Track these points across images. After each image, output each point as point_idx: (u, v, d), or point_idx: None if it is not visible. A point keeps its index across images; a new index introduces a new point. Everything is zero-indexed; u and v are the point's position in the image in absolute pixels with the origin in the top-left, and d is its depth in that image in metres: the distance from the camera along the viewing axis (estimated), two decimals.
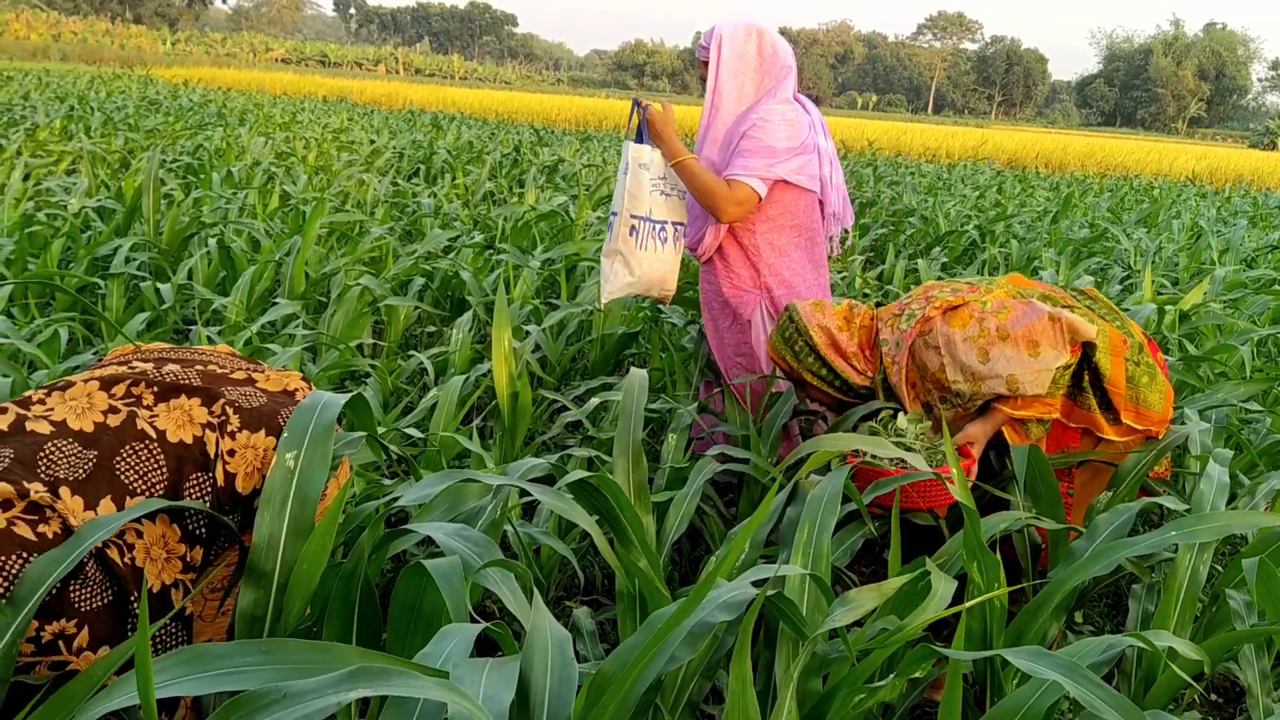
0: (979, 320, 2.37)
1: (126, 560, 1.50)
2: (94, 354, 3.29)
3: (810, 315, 2.57)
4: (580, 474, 1.77)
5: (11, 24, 56.67)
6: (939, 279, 5.15)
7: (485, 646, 2.13)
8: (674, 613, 1.29)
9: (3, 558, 1.36)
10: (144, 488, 1.56)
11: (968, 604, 1.67)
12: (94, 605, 1.46)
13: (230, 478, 1.67)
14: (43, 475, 1.47)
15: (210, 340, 3.41)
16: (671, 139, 2.96)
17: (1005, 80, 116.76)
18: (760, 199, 2.92)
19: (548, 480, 2.71)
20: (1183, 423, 2.73)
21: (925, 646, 1.56)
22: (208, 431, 1.67)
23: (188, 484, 1.62)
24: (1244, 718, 2.46)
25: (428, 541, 2.13)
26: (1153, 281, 5.56)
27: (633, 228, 2.98)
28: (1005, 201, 11.06)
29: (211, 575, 1.73)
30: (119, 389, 1.66)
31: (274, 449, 1.70)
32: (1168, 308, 4.62)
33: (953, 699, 1.54)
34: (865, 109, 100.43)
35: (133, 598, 1.51)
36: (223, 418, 1.69)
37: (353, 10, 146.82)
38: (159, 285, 4.12)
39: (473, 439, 2.85)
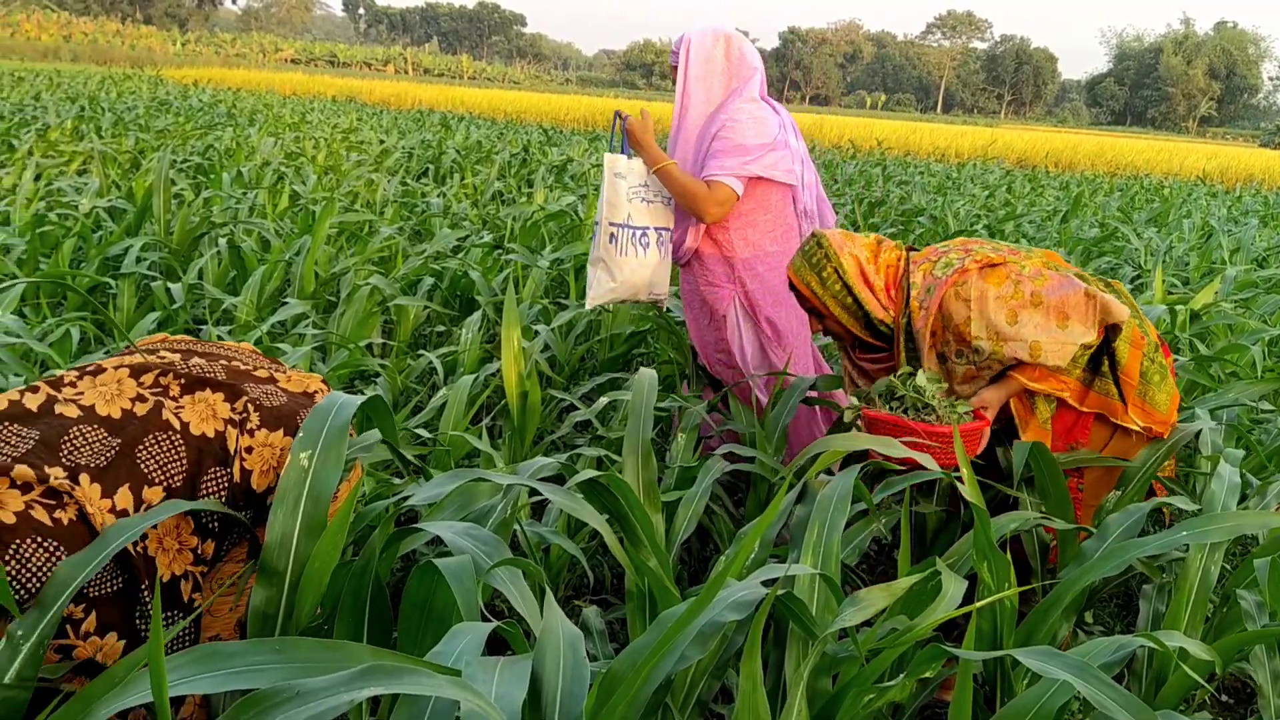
0: (1015, 282, 2.35)
1: (139, 549, 1.51)
2: (105, 353, 3.30)
3: (841, 243, 2.52)
4: (590, 473, 1.78)
5: (23, 25, 56.90)
6: None
7: (494, 645, 2.14)
8: (684, 612, 1.30)
9: (18, 541, 1.38)
10: (163, 478, 1.57)
11: (978, 604, 1.67)
12: (104, 591, 1.47)
13: (246, 474, 1.68)
14: (64, 460, 1.49)
15: (221, 339, 3.42)
16: (651, 147, 3.05)
17: (1015, 79, 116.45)
18: (739, 196, 2.99)
19: (557, 480, 2.71)
20: (1193, 421, 2.72)
21: (935, 646, 1.56)
22: (229, 427, 1.68)
23: (205, 477, 1.63)
24: (1255, 718, 2.45)
25: (438, 540, 2.14)
26: (1163, 281, 5.54)
27: (612, 235, 3.07)
28: (1015, 201, 11.04)
29: (222, 571, 1.74)
30: (148, 378, 1.67)
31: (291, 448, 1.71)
32: (1178, 307, 4.60)
33: (963, 699, 1.53)
34: (874, 108, 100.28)
35: (143, 586, 1.52)
36: (244, 415, 1.70)
37: (362, 10, 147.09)
38: (169, 285, 4.13)
39: (482, 438, 2.85)
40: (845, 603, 1.60)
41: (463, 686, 1.03)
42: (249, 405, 1.72)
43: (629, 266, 3.07)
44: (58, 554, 1.40)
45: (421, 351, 3.99)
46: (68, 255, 4.47)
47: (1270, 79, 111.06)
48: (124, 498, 1.51)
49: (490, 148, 12.91)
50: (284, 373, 1.87)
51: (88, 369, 1.67)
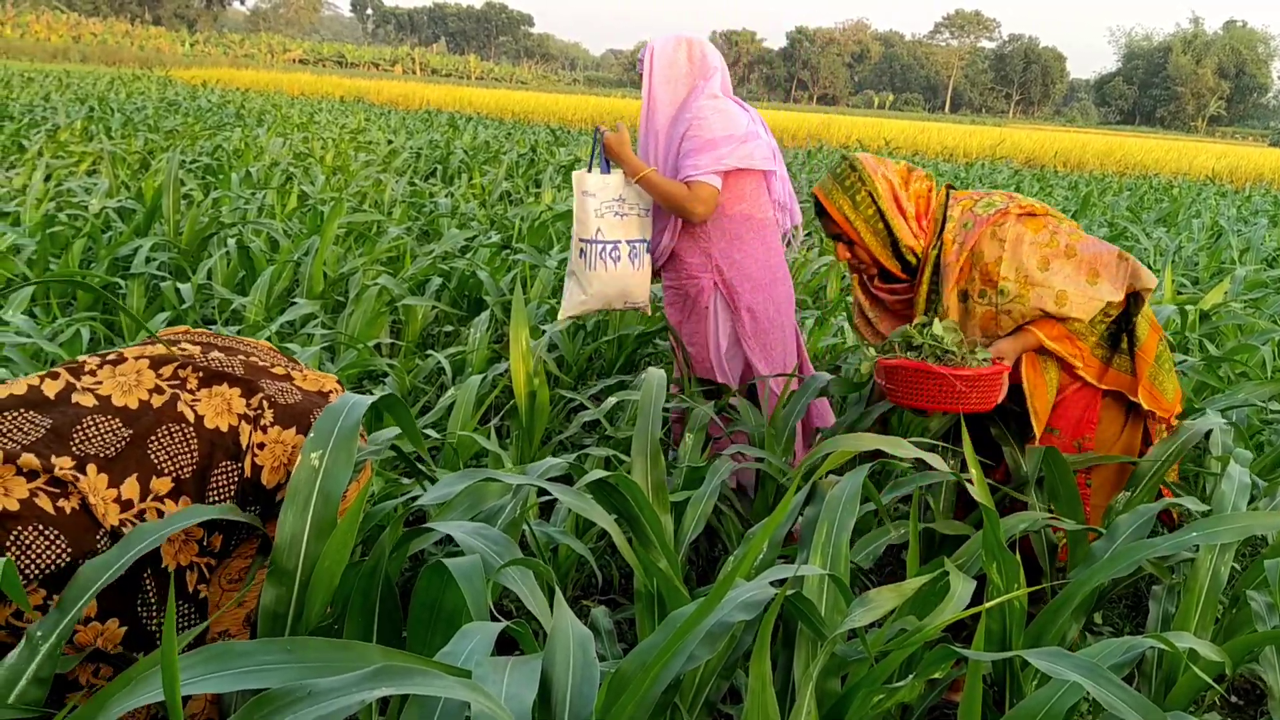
0: (1052, 232, 2.37)
1: None
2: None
3: (875, 166, 2.50)
4: (599, 473, 1.78)
5: (32, 26, 57.11)
6: None
7: (503, 644, 2.14)
8: (693, 612, 1.30)
9: (20, 528, 1.40)
10: (172, 469, 1.58)
11: (987, 605, 1.67)
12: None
13: (257, 470, 1.69)
14: (74, 449, 1.50)
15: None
16: (629, 158, 3.12)
17: (1023, 79, 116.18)
18: (719, 191, 3.05)
19: (566, 480, 2.71)
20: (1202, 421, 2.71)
21: (944, 647, 1.56)
22: (243, 423, 1.69)
23: (216, 470, 1.64)
24: (1265, 719, 2.45)
25: (447, 540, 2.14)
26: (1173, 281, 5.52)
27: (581, 250, 3.18)
28: None
29: (231, 567, 1.74)
30: (167, 370, 1.69)
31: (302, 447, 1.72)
32: (1188, 308, 4.59)
33: (972, 700, 1.53)
34: (882, 108, 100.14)
35: (145, 574, 1.53)
36: (258, 411, 1.71)
37: (369, 11, 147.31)
38: (179, 285, 4.14)
39: (490, 438, 2.86)
40: (854, 603, 1.59)
41: (473, 687, 1.03)
42: (264, 401, 1.73)
43: (600, 279, 3.17)
44: (58, 542, 1.42)
45: (430, 351, 4.00)
46: (77, 255, 4.49)
47: None
48: (130, 488, 1.53)
49: (498, 148, 12.93)
50: (300, 371, 1.88)
51: (109, 357, 1.69)
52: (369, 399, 1.64)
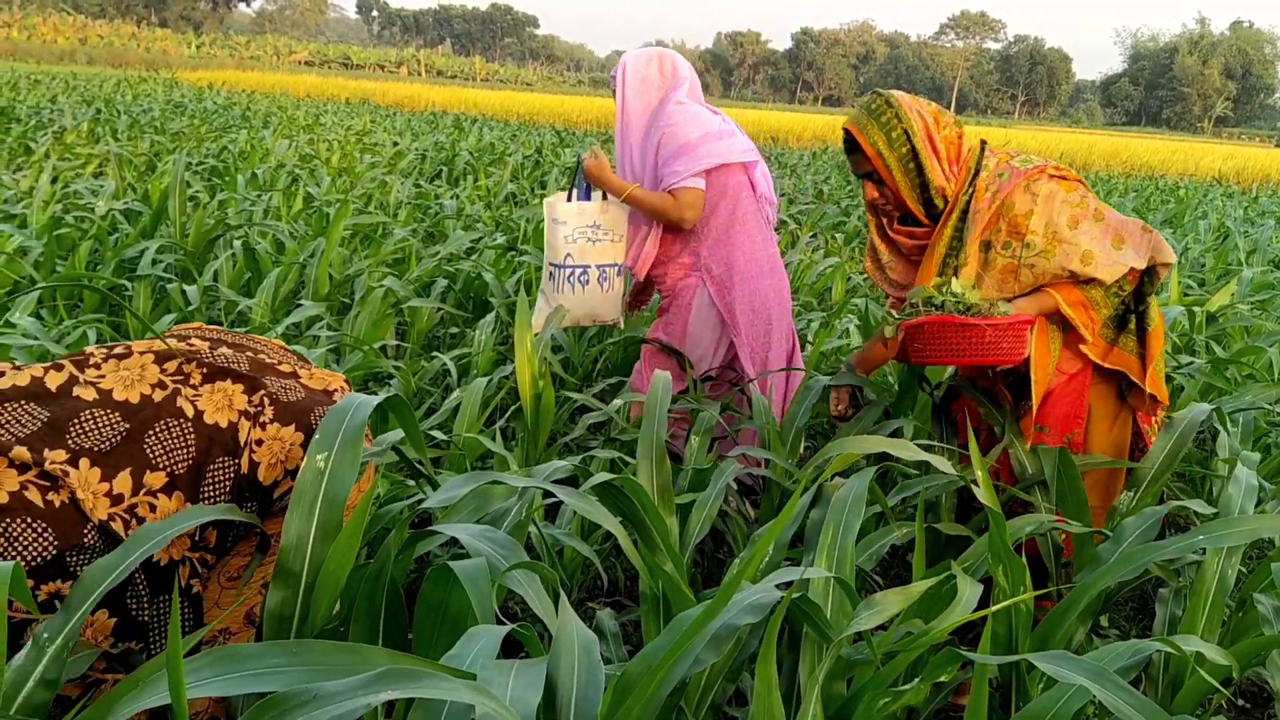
0: (1083, 196, 2.40)
1: (132, 533, 1.52)
2: None
3: (910, 104, 2.47)
4: (605, 476, 1.78)
5: (39, 28, 57.29)
6: None
7: (508, 646, 2.14)
8: (699, 615, 1.30)
9: (8, 520, 1.41)
10: (167, 464, 1.59)
11: (993, 608, 1.66)
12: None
13: (254, 466, 1.69)
14: (70, 443, 1.51)
15: None
16: (610, 181, 3.22)
17: (1029, 80, 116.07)
18: (704, 191, 3.13)
19: (571, 482, 2.71)
20: (1212, 426, 2.70)
21: (951, 650, 1.56)
22: (243, 419, 1.69)
23: (212, 466, 1.64)
24: None
25: (453, 542, 2.14)
26: (1179, 283, 5.51)
27: (550, 273, 3.34)
28: None
29: (230, 565, 1.74)
30: (171, 365, 1.69)
31: (300, 444, 1.72)
32: (1195, 309, 4.58)
33: (978, 703, 1.53)
34: None
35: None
36: (259, 408, 1.71)
37: (375, 13, 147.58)
38: (185, 287, 4.15)
39: (496, 440, 2.86)
40: (860, 606, 1.59)
41: (479, 690, 1.03)
42: (265, 399, 1.73)
43: (567, 301, 3.31)
44: (45, 535, 1.44)
45: (435, 353, 4.01)
46: (84, 257, 4.50)
47: None
48: (123, 482, 1.53)
49: (503, 149, 12.94)
50: (308, 370, 1.88)
51: (116, 350, 1.69)
52: (374, 399, 1.65)
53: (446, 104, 30.44)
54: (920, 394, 2.98)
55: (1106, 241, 2.34)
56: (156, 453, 1.58)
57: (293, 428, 1.74)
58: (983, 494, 1.93)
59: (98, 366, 1.65)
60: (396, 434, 2.00)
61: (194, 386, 1.68)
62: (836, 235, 7.96)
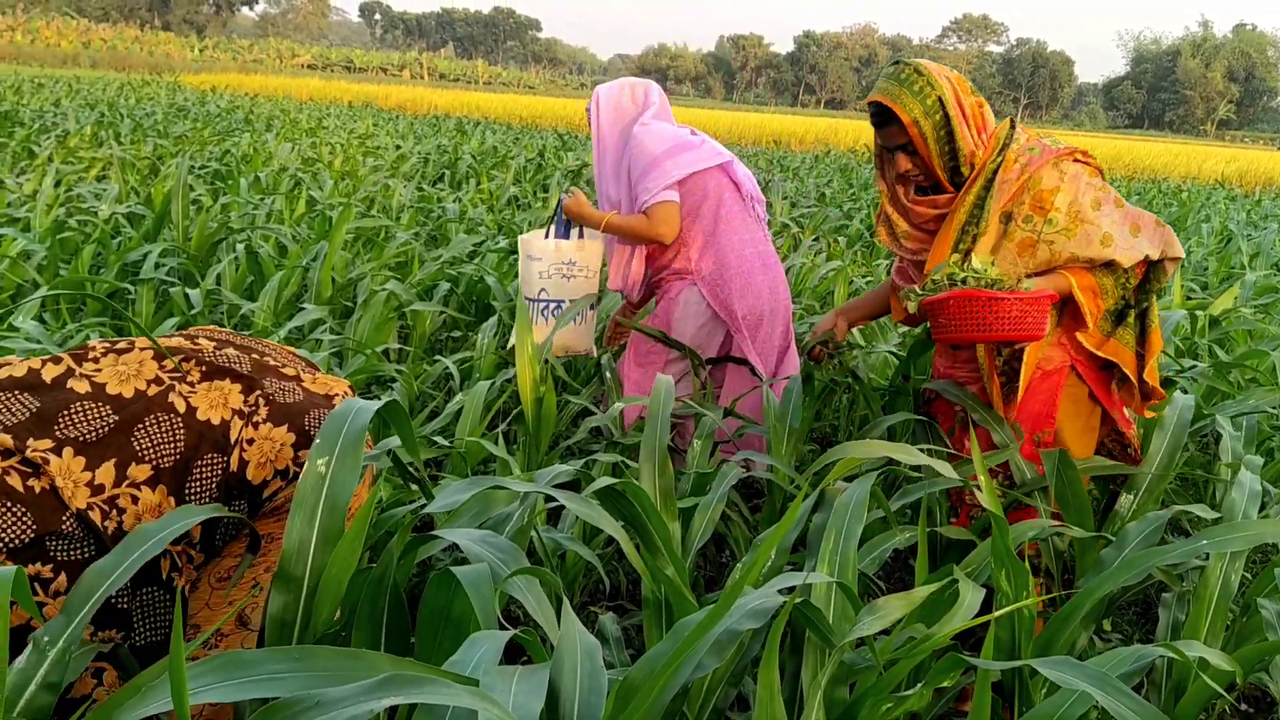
0: (1104, 184, 2.45)
1: (112, 523, 1.53)
2: None
3: (939, 70, 2.46)
4: (607, 480, 1.78)
5: (42, 31, 57.40)
6: None
7: (510, 651, 2.14)
8: (701, 620, 1.29)
9: None
10: (153, 457, 1.59)
11: (996, 613, 1.66)
12: (72, 557, 1.50)
13: (243, 464, 1.68)
14: (57, 433, 1.52)
15: None
16: (589, 215, 3.33)
17: (1031, 83, 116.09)
18: (678, 203, 3.19)
19: (573, 486, 2.71)
20: (1214, 430, 2.70)
21: (953, 656, 1.56)
22: (236, 418, 1.69)
23: (200, 462, 1.64)
24: None
25: (455, 546, 2.14)
26: (1182, 286, 5.51)
27: (525, 307, 3.37)
28: None
29: (221, 566, 1.74)
30: (170, 363, 1.70)
31: (291, 445, 1.72)
32: (1198, 313, 4.57)
33: (981, 709, 1.53)
34: None
35: None
36: (254, 407, 1.71)
37: (377, 16, 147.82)
38: (188, 290, 4.15)
39: (498, 444, 2.86)
40: (863, 611, 1.59)
41: (481, 696, 1.03)
42: (261, 399, 1.73)
43: (540, 333, 3.35)
44: (24, 519, 1.45)
45: (438, 357, 4.01)
46: (87, 261, 4.50)
47: None
48: (106, 473, 1.54)
49: (506, 153, 12.94)
50: (313, 375, 1.87)
51: (118, 344, 1.70)
52: (374, 404, 1.65)
53: (449, 107, 30.49)
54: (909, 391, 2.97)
55: (1125, 228, 2.38)
56: (144, 445, 1.59)
57: (285, 428, 1.73)
58: (985, 499, 1.93)
59: (96, 360, 1.66)
60: (396, 439, 2.01)
61: (190, 383, 1.68)
62: (839, 238, 7.95)
